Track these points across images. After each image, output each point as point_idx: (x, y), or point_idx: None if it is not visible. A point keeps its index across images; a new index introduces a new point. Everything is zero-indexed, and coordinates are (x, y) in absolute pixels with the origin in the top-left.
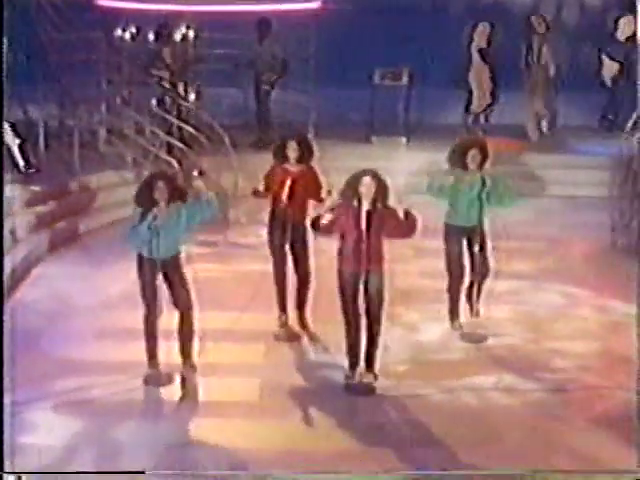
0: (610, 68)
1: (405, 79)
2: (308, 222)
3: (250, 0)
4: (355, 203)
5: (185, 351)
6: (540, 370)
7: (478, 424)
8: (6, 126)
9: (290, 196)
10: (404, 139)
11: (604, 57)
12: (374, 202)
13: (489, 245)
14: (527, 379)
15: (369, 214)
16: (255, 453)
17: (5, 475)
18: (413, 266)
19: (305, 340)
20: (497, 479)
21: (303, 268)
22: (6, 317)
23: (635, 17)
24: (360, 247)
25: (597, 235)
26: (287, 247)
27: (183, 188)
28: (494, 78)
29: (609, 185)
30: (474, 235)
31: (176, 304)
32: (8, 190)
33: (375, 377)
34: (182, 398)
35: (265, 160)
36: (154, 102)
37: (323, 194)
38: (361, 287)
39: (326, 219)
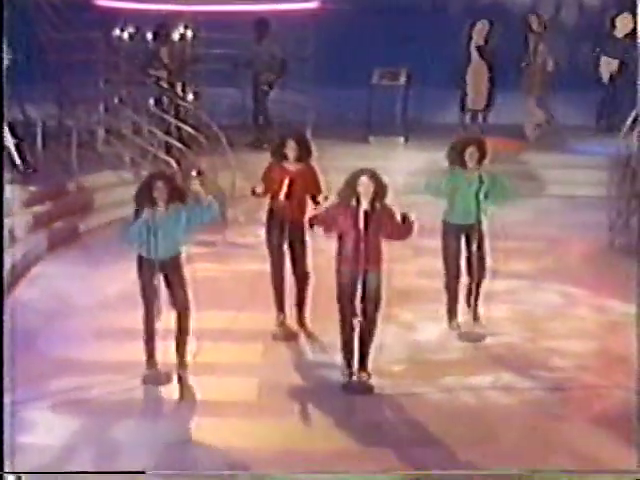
0: (608, 66)
1: (403, 79)
2: (306, 220)
3: (248, 0)
4: (353, 203)
5: (180, 351)
6: (538, 369)
7: (476, 423)
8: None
9: (288, 195)
10: (402, 139)
11: (602, 55)
12: (372, 202)
13: (487, 245)
14: (525, 378)
15: (367, 214)
16: (253, 452)
17: (5, 475)
18: (411, 266)
19: (303, 339)
20: (496, 479)
21: (301, 268)
22: (5, 316)
23: (634, 15)
24: (358, 247)
25: (595, 235)
26: (285, 246)
27: (182, 188)
28: (492, 77)
29: (607, 185)
30: (472, 233)
31: (174, 304)
32: (7, 190)
33: (369, 376)
34: (180, 398)
35: (263, 159)
36: (152, 102)
37: (320, 197)
38: (359, 287)
39: (322, 215)
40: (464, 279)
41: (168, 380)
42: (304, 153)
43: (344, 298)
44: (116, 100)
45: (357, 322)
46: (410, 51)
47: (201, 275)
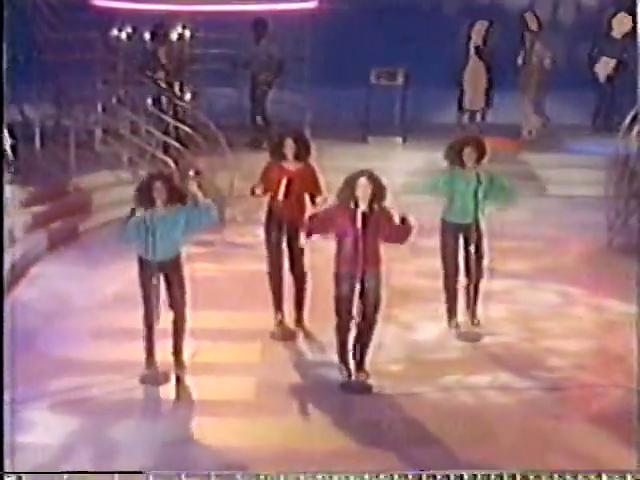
0: (605, 66)
1: (401, 79)
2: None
3: (246, 0)
4: (352, 205)
5: (177, 351)
6: (536, 369)
7: (474, 422)
8: None
9: (286, 195)
10: (400, 139)
11: (600, 55)
12: (371, 203)
13: (485, 246)
14: (523, 378)
15: (365, 216)
16: (251, 452)
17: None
18: (410, 265)
19: (301, 339)
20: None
21: (299, 267)
22: (4, 316)
23: (633, 15)
24: (357, 248)
25: (593, 234)
26: (284, 245)
27: (181, 189)
28: (490, 77)
29: (605, 184)
30: (470, 233)
31: (171, 305)
32: (6, 190)
33: (367, 375)
34: (176, 398)
35: (261, 159)
36: (150, 102)
37: (319, 199)
38: (357, 289)
39: (321, 216)
40: (462, 279)
41: (166, 380)
42: (303, 152)
43: (342, 300)
44: (114, 100)
45: (354, 324)
46: (408, 51)
47: (199, 275)
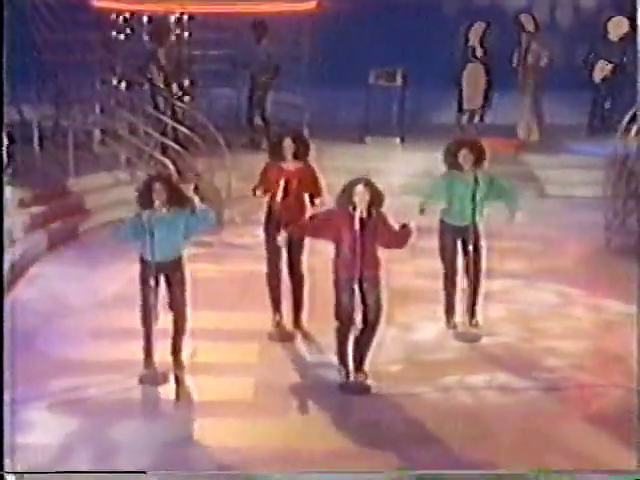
0: (602, 68)
1: (399, 79)
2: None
3: (246, 0)
4: (350, 210)
5: (176, 352)
6: (534, 369)
7: (472, 422)
8: None
9: (285, 195)
10: (398, 139)
11: (596, 58)
12: (369, 209)
13: (484, 247)
14: (521, 378)
15: (363, 221)
16: (250, 452)
17: (5, 475)
18: (408, 266)
19: (299, 340)
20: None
21: (297, 268)
22: (3, 316)
23: (629, 18)
24: (355, 252)
25: (591, 235)
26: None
27: (181, 192)
28: (489, 77)
29: (603, 185)
30: (468, 235)
31: (171, 306)
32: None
33: (366, 376)
34: (176, 398)
35: (259, 160)
36: (148, 103)
37: (317, 200)
38: (357, 293)
39: (319, 219)
40: (461, 280)
41: (165, 380)
42: (301, 151)
43: (342, 306)
44: (112, 101)
45: (354, 329)
46: (407, 52)
47: (198, 275)
